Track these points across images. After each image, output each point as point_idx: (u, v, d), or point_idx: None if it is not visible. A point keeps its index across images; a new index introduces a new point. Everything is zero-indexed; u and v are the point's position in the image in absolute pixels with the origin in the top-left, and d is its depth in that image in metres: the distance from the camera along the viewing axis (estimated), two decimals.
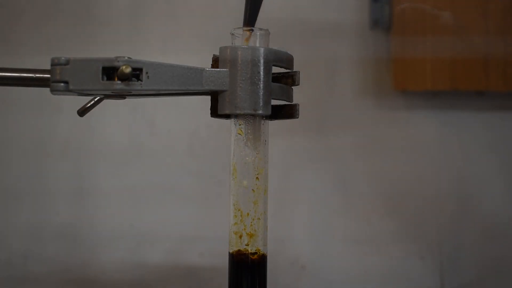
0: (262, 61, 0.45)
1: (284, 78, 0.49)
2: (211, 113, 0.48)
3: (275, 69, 0.47)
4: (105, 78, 0.42)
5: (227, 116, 0.47)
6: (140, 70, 0.42)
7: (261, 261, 0.47)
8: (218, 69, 0.46)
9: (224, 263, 0.49)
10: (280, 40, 0.56)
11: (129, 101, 0.56)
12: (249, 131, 0.47)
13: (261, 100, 0.45)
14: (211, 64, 0.47)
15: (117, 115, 1.07)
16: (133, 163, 1.06)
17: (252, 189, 0.47)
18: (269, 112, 0.46)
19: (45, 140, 1.08)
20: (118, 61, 0.41)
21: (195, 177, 1.06)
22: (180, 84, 0.44)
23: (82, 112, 0.49)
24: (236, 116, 0.47)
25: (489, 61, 1.00)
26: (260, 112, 0.45)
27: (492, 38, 0.99)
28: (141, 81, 0.42)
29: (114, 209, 1.06)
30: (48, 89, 0.43)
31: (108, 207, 1.06)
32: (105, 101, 0.49)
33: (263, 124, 0.48)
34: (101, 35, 1.07)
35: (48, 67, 0.43)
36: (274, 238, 0.58)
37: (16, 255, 1.07)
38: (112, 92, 0.43)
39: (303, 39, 1.04)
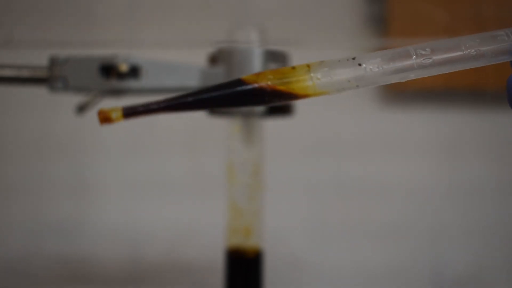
0: (258, 59, 0.46)
1: None
2: (209, 111, 0.48)
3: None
4: (103, 75, 0.42)
5: (225, 114, 0.48)
6: (138, 68, 0.42)
7: (257, 257, 0.47)
8: (215, 68, 0.46)
9: (221, 259, 0.49)
10: (277, 40, 0.57)
11: (128, 99, 0.57)
12: (245, 129, 0.47)
13: None
14: (209, 63, 0.48)
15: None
16: (132, 161, 1.07)
17: (249, 186, 0.47)
18: (265, 110, 0.46)
19: (44, 137, 1.08)
20: (116, 59, 0.42)
21: (192, 174, 1.07)
22: (178, 81, 0.44)
23: (81, 109, 0.49)
24: (233, 114, 0.47)
25: None
26: (257, 110, 0.46)
27: None
28: (139, 78, 0.42)
29: (113, 206, 1.07)
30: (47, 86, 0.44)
31: (107, 204, 1.07)
32: (104, 99, 0.50)
33: (259, 122, 0.48)
34: (99, 33, 1.08)
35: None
36: (272, 236, 0.59)
37: (15, 252, 1.07)
38: (111, 90, 0.44)
39: (300, 39, 1.05)
